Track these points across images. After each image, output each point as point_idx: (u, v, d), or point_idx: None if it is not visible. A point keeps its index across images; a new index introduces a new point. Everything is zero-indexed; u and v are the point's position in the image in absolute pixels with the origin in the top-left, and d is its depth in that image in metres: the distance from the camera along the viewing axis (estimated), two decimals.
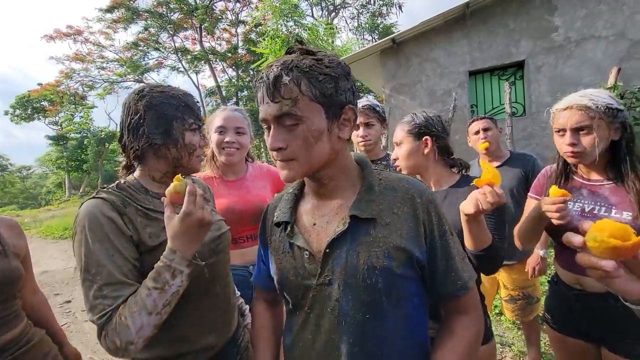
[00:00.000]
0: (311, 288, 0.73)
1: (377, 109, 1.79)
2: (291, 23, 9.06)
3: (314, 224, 0.77)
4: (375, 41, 6.92)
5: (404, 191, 0.76)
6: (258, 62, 9.01)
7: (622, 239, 0.51)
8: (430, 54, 6.49)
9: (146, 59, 20.44)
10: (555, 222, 1.12)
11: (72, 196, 22.95)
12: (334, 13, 17.53)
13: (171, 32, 19.08)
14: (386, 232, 0.71)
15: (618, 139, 1.14)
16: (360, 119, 1.75)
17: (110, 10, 18.37)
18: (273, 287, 0.85)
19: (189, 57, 19.83)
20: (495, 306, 2.88)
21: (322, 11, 17.47)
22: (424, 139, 1.25)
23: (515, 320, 2.38)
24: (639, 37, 5.14)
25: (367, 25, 16.78)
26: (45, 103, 23.08)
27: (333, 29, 11.13)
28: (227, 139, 1.53)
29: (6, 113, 23.26)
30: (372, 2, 16.19)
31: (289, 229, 0.78)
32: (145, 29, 18.92)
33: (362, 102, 1.77)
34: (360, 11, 17.14)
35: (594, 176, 1.22)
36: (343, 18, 18.02)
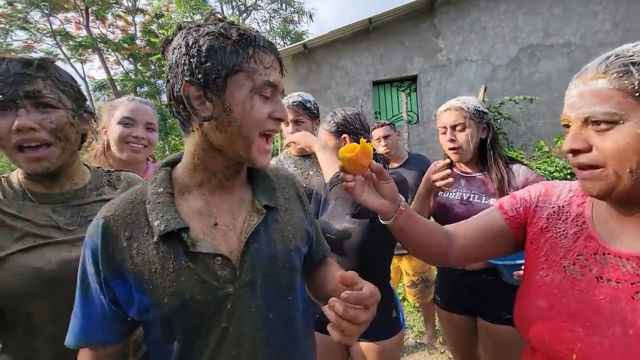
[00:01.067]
0: (229, 297, 0.63)
1: (308, 105, 1.73)
2: (198, 16, 8.54)
3: (216, 224, 0.67)
4: (287, 46, 7.02)
5: (285, 178, 0.83)
6: (159, 55, 8.22)
7: (352, 152, 0.70)
8: (339, 62, 6.89)
9: (8, 38, 16.54)
10: (439, 184, 1.32)
11: None
12: (245, 14, 17.15)
13: (46, 12, 15.89)
14: (288, 216, 0.76)
15: (485, 137, 1.39)
16: (289, 116, 1.69)
17: None
18: (124, 332, 0.67)
19: (71, 43, 16.78)
20: (399, 293, 3.17)
21: (233, 10, 16.93)
22: (342, 136, 1.30)
23: (416, 303, 2.67)
24: (499, 63, 6.38)
25: (279, 30, 16.88)
26: None
27: None
28: (135, 134, 1.38)
29: None
30: (283, 7, 16.40)
31: (185, 236, 0.61)
32: (9, 3, 15.35)
33: (292, 98, 1.70)
34: (273, 15, 17.16)
35: (469, 169, 1.45)
36: (255, 20, 17.71)
